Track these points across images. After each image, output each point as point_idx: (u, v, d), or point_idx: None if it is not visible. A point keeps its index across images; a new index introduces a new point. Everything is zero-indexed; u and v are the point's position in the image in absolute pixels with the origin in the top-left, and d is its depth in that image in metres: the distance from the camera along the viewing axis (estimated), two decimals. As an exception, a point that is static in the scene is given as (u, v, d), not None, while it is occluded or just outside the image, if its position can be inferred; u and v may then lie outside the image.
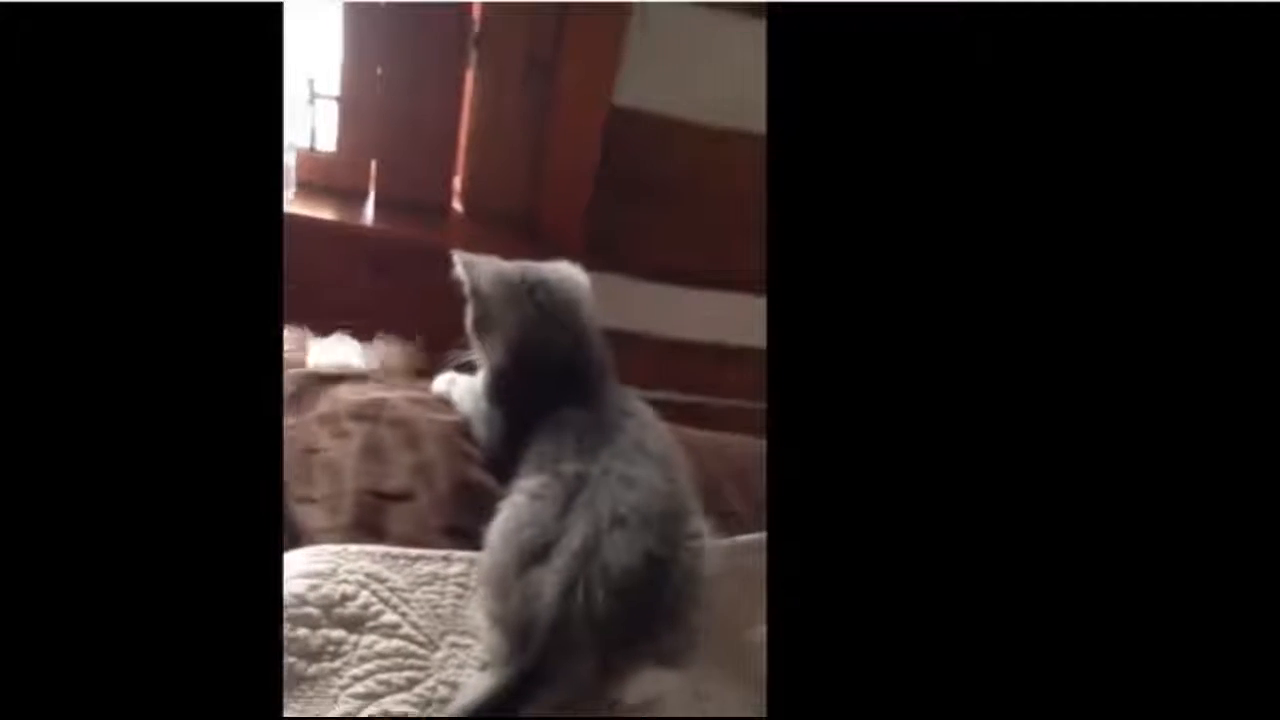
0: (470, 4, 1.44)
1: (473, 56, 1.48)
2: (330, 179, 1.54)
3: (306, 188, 1.51)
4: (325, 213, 1.47)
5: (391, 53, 1.46)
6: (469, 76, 1.49)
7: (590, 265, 1.06)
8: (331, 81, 1.49)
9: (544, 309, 0.97)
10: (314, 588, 0.78)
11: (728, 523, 0.93)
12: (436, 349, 1.12)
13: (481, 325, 0.99)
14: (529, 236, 1.56)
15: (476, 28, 1.46)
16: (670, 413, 0.98)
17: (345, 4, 1.42)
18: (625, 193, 1.54)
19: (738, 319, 1.63)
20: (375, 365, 1.33)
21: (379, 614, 0.79)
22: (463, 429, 1.02)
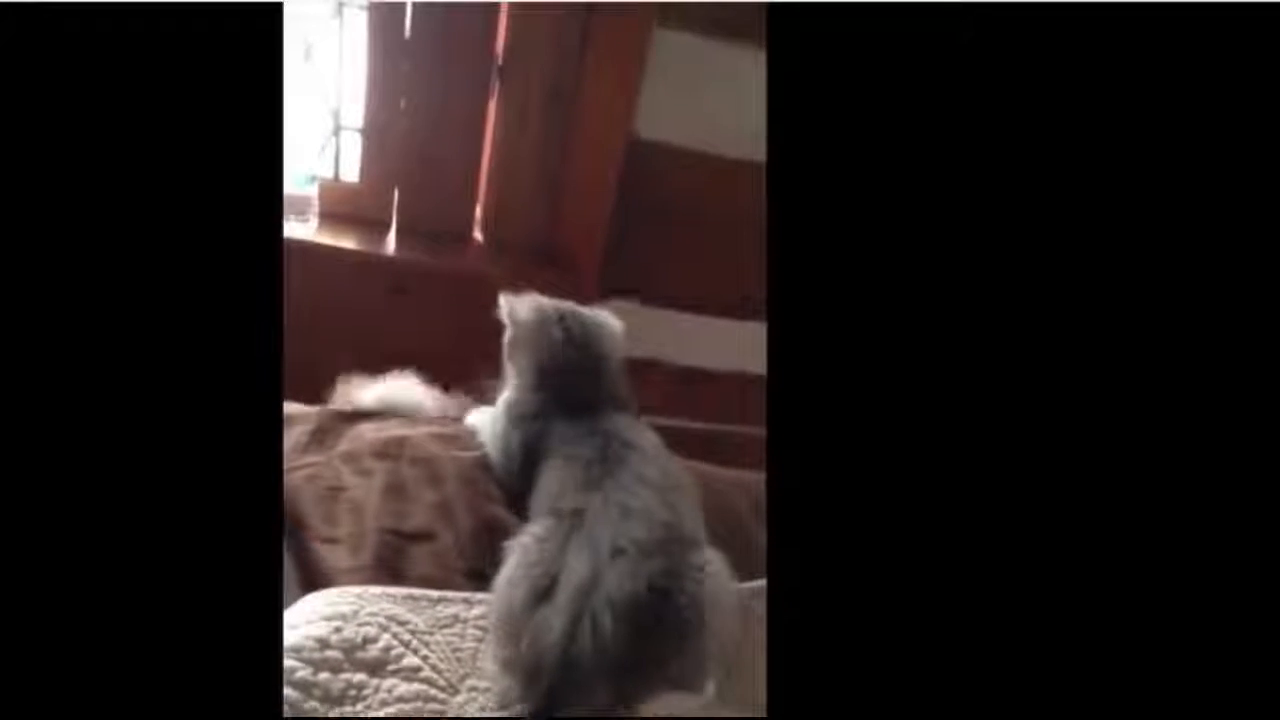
0: (493, 36, 1.46)
1: (495, 89, 1.50)
2: (353, 209, 1.56)
3: (330, 218, 1.53)
4: (348, 242, 1.49)
5: (415, 85, 1.48)
6: (491, 108, 1.51)
7: (607, 293, 1.09)
8: (356, 113, 1.51)
9: (570, 334, 1.04)
10: (337, 630, 0.78)
11: (755, 560, 0.93)
12: (460, 377, 1.15)
13: (513, 347, 1.06)
14: (548, 265, 1.57)
15: (499, 61, 1.48)
16: (684, 440, 0.99)
17: (370, 37, 1.45)
18: (641, 222, 1.56)
19: (752, 347, 1.64)
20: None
21: (400, 657, 0.79)
22: (483, 464, 1.03)
